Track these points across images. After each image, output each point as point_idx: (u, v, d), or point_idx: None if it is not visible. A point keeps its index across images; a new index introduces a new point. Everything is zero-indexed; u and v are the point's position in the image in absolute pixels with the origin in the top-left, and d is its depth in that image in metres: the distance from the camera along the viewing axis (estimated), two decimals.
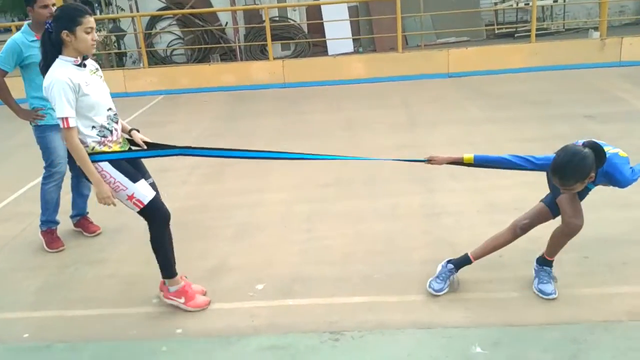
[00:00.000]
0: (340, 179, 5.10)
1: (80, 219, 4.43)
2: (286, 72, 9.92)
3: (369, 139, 6.39)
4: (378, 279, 3.39)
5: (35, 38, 3.92)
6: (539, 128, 6.30)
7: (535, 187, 4.47)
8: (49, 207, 4.17)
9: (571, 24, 13.36)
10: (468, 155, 3.11)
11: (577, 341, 2.71)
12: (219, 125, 7.58)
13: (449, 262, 3.24)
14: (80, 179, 4.35)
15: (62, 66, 2.86)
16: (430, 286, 3.17)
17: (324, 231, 4.13)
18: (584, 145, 2.76)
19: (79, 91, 2.84)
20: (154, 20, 12.70)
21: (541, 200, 3.19)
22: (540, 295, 3.08)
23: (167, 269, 3.19)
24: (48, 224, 4.20)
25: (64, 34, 2.82)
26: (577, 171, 2.68)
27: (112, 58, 12.19)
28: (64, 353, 2.94)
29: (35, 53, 3.91)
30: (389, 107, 7.94)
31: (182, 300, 3.20)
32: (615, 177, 2.85)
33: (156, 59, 12.58)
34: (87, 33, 2.85)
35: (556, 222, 3.11)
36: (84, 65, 2.94)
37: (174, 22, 12.65)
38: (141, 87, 10.01)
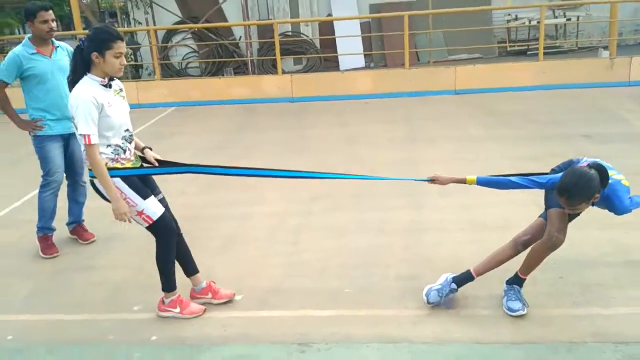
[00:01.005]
0: (330, 192, 5.19)
1: (76, 227, 4.58)
2: (294, 87, 10.07)
3: (368, 154, 6.47)
4: (350, 293, 3.46)
5: (35, 51, 4.10)
6: (535, 146, 6.31)
7: (520, 206, 4.56)
8: (46, 214, 4.33)
9: (585, 42, 13.30)
10: (471, 177, 3.15)
11: None
12: (223, 138, 7.73)
13: (453, 279, 3.24)
14: (76, 187, 4.51)
15: (89, 84, 2.96)
16: (427, 295, 3.20)
17: (307, 244, 4.21)
18: (590, 166, 2.82)
19: (102, 111, 2.94)
20: (170, 33, 13.01)
21: (540, 216, 3.23)
22: (509, 312, 3.11)
23: (168, 283, 3.28)
24: (44, 231, 4.35)
25: (94, 55, 2.93)
26: (583, 192, 2.74)
27: (128, 70, 12.48)
28: (42, 355, 3.06)
29: (34, 65, 4.10)
30: (392, 122, 8.02)
31: (177, 310, 3.29)
32: (614, 203, 2.90)
33: (171, 72, 12.86)
34: (116, 57, 2.94)
35: None
36: (110, 86, 3.06)
37: (189, 36, 12.93)
38: (153, 99, 10.24)
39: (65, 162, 4.33)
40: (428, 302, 3.21)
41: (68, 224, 4.59)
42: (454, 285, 3.23)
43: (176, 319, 3.28)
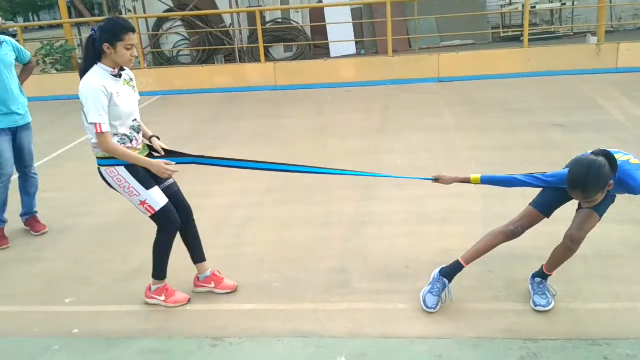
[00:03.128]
0: (286, 184, 5.18)
1: (29, 218, 4.64)
2: (278, 75, 10.03)
3: (334, 144, 6.46)
4: (277, 287, 3.48)
5: None
6: (504, 136, 6.25)
7: (464, 198, 4.54)
8: None
9: (583, 28, 13.05)
10: (475, 176, 3.09)
11: (440, 356, 2.74)
12: (197, 127, 7.75)
13: (440, 273, 3.18)
14: (26, 179, 4.57)
15: (99, 74, 2.99)
16: (425, 303, 3.10)
17: (250, 237, 4.23)
18: (594, 154, 2.71)
19: (111, 100, 2.98)
20: (161, 21, 13.00)
21: (530, 205, 3.13)
22: (534, 308, 3.05)
23: (160, 271, 3.34)
24: None
25: (105, 46, 2.96)
26: (597, 181, 2.61)
27: None
28: None
29: None
30: (368, 111, 7.97)
31: (162, 298, 3.35)
32: (628, 184, 2.76)
33: (162, 60, 12.88)
34: (127, 49, 2.98)
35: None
36: (120, 76, 3.09)
37: (179, 24, 12.91)
38: (139, 88, 10.20)
39: (14, 155, 4.38)
40: (427, 309, 3.08)
41: (21, 215, 4.65)
42: (445, 280, 3.14)
43: (173, 307, 3.33)
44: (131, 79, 3.21)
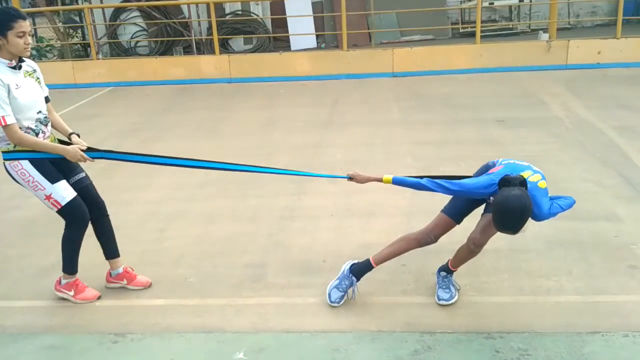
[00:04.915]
0: (222, 178, 5.14)
1: None
2: (233, 68, 9.96)
3: (277, 138, 6.44)
4: (190, 282, 3.46)
5: None
6: (445, 131, 6.32)
7: (393, 193, 4.57)
8: None
9: (541, 25, 13.24)
10: (387, 177, 3.10)
11: (338, 350, 2.77)
12: (143, 120, 7.64)
13: (350, 270, 3.18)
14: None
15: None
16: (329, 298, 3.13)
17: (174, 232, 4.20)
18: (509, 182, 2.68)
19: (10, 93, 2.89)
20: (118, 11, 12.76)
21: (441, 211, 3.14)
22: (438, 302, 3.10)
23: (69, 266, 3.28)
24: None
25: None
26: (524, 219, 2.63)
27: (68, 49, 12.25)
28: None
29: None
30: (319, 105, 7.97)
31: (72, 293, 3.30)
32: (533, 212, 2.74)
33: (119, 51, 12.66)
34: (20, 37, 2.88)
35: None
36: (19, 67, 3.00)
37: (137, 14, 12.69)
38: (90, 79, 10.09)
39: None
40: (331, 303, 3.11)
41: None
42: (353, 278, 3.16)
43: (80, 304, 3.28)
44: (34, 70, 3.13)
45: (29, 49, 2.96)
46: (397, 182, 3.11)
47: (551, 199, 2.87)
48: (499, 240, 3.19)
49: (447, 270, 3.19)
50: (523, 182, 2.70)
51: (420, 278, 3.37)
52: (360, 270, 3.18)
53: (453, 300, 3.10)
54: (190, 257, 3.80)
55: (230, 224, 4.27)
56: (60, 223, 4.26)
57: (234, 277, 3.51)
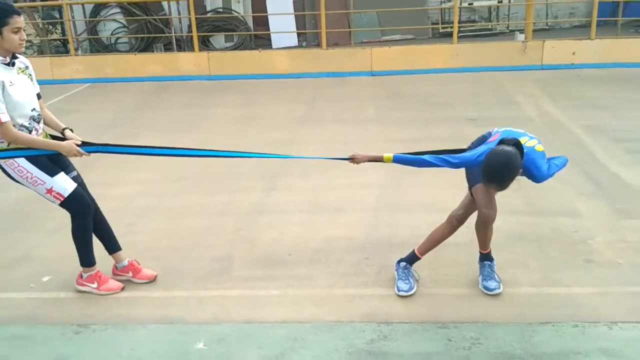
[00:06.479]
0: (197, 173, 5.20)
1: None
2: (212, 65, 9.98)
3: (252, 135, 6.50)
4: (157, 275, 3.49)
5: None
6: (419, 129, 6.41)
7: (362, 189, 4.66)
8: None
9: (520, 25, 13.41)
10: (387, 155, 3.13)
11: (296, 340, 2.83)
12: (120, 116, 7.65)
13: (399, 262, 3.29)
14: None
15: None
16: (399, 289, 3.18)
17: (143, 226, 4.23)
18: (505, 142, 2.80)
19: (4, 90, 2.89)
20: (98, 7, 12.70)
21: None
22: (485, 292, 3.16)
23: (86, 258, 3.29)
24: None
25: None
26: (512, 175, 2.75)
27: (47, 45, 12.17)
28: None
29: None
30: (296, 103, 8.03)
31: (95, 285, 3.31)
32: (531, 172, 2.89)
33: (99, 47, 12.60)
34: (15, 33, 2.88)
35: None
36: (13, 64, 2.99)
37: (117, 11, 12.64)
38: (68, 75, 10.04)
39: None
40: (405, 292, 3.16)
41: None
42: (403, 263, 3.27)
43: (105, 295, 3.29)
44: (27, 67, 3.13)
45: (24, 45, 2.97)
46: (397, 160, 3.13)
47: (547, 160, 2.98)
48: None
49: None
50: (517, 144, 2.79)
51: (382, 270, 3.45)
52: (409, 260, 3.28)
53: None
54: (157, 250, 3.84)
55: (200, 218, 4.32)
56: (30, 216, 4.31)
57: (199, 270, 3.55)
